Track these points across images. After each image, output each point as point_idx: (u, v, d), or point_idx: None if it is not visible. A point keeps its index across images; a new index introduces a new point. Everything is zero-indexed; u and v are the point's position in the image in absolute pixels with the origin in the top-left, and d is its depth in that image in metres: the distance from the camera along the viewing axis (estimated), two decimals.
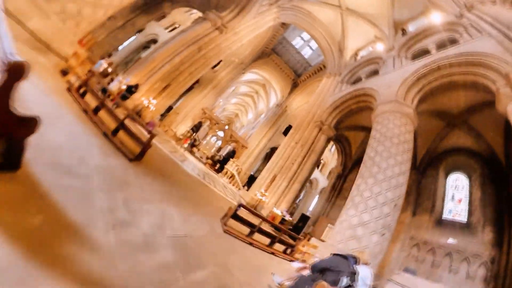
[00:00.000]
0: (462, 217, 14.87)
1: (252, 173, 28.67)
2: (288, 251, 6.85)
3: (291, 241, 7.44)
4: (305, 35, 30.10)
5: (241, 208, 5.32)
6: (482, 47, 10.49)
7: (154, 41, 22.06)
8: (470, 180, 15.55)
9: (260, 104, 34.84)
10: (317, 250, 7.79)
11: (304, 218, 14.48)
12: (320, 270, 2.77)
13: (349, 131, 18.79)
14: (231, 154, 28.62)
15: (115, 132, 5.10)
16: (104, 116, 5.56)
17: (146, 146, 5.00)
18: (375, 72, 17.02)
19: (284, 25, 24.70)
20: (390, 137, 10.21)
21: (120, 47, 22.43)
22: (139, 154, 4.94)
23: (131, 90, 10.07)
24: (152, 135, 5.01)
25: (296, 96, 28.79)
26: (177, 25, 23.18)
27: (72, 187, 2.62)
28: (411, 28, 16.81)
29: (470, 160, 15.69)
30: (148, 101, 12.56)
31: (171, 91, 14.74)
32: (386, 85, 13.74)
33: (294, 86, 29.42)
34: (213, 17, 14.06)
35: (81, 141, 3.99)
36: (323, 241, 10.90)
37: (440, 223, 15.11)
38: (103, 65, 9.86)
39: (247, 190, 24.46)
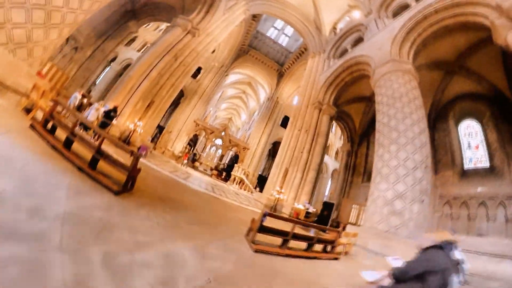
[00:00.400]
0: (484, 162, 14.38)
1: (260, 172, 27.99)
2: (328, 248, 6.11)
3: (327, 236, 6.71)
4: (278, 24, 29.62)
5: (267, 217, 4.55)
6: None
7: (130, 66, 21.36)
8: (482, 123, 15.07)
9: (251, 103, 34.21)
10: (358, 238, 7.13)
11: (327, 206, 13.80)
12: (416, 277, 2.03)
13: (348, 105, 18.25)
14: (235, 160, 27.91)
15: (93, 163, 4.32)
16: (80, 149, 4.82)
17: (133, 171, 4.20)
18: (359, 40, 16.47)
19: (255, 18, 24.08)
20: (399, 97, 9.63)
21: (97, 81, 21.68)
22: (126, 183, 4.14)
23: (110, 115, 9.05)
24: (136, 156, 4.20)
25: (284, 86, 28.19)
26: (149, 45, 22.47)
27: (12, 258, 1.74)
28: None
29: (476, 104, 15.22)
30: (133, 124, 11.78)
31: (157, 108, 13.83)
32: (377, 47, 13.19)
33: (280, 76, 28.82)
34: (182, 22, 13.37)
35: (41, 185, 3.07)
36: (358, 225, 10.26)
37: (464, 174, 14.62)
38: (77, 97, 9.02)
39: (260, 191, 23.87)
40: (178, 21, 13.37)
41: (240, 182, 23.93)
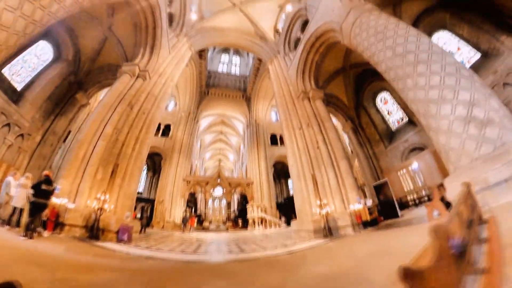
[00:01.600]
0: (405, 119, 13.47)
1: (276, 201, 24.84)
2: None
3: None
4: (224, 58, 30.29)
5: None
6: None
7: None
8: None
9: (232, 140, 32.62)
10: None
11: (379, 188, 11.29)
12: None
13: (329, 84, 17.23)
14: (243, 201, 24.81)
15: None
16: None
17: None
18: (306, 22, 16.30)
19: (202, 57, 24.04)
20: (392, 35, 8.44)
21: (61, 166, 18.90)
22: None
23: (41, 189, 5.45)
24: None
25: (256, 106, 27.32)
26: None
27: None
28: None
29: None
30: (98, 201, 8.48)
31: (126, 172, 10.82)
32: (330, 11, 12.65)
33: (248, 100, 28.16)
34: (127, 69, 11.93)
35: None
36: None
37: None
38: (11, 182, 6.31)
39: (287, 221, 20.63)
40: (124, 68, 11.91)
41: (262, 222, 20.59)
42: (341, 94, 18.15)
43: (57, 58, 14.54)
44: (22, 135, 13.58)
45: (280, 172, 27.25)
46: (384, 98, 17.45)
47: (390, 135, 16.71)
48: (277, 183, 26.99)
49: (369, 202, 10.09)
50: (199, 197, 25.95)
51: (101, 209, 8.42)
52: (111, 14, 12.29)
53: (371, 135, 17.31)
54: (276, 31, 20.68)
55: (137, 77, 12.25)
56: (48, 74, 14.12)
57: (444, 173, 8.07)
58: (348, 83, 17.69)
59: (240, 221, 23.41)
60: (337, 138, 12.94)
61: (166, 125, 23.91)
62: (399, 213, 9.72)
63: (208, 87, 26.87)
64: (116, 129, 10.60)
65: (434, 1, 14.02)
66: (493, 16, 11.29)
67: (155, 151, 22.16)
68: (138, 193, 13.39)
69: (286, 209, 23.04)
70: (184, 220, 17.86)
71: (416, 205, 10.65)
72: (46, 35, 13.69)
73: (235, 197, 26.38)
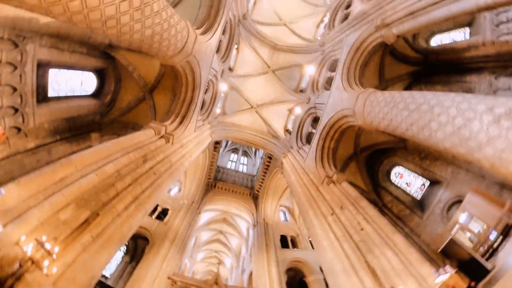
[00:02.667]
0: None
1: None
2: None
3: None
4: (233, 157, 32.24)
5: None
6: None
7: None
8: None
9: (233, 241, 28.15)
10: None
11: (446, 252, 8.58)
12: None
13: (345, 170, 17.33)
14: None
15: None
16: None
17: None
18: (316, 119, 18.87)
19: (216, 150, 25.62)
20: (400, 100, 9.80)
21: None
22: None
23: None
24: None
25: (264, 205, 25.81)
26: None
27: None
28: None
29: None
30: (38, 246, 5.54)
31: (103, 232, 7.85)
32: (338, 102, 15.00)
33: (255, 198, 27.06)
34: (155, 126, 12.26)
35: None
36: None
37: None
38: None
39: None
40: (151, 124, 12.31)
41: None
42: (357, 180, 17.83)
43: (96, 94, 15.18)
44: (19, 129, 11.55)
45: (292, 283, 21.51)
46: (399, 173, 17.36)
47: (419, 205, 15.18)
48: None
49: (449, 268, 7.22)
50: None
51: (34, 261, 5.25)
52: (158, 80, 14.46)
53: (399, 212, 15.63)
54: (287, 130, 23.43)
55: (161, 137, 12.53)
56: (81, 101, 14.18)
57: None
58: (362, 167, 17.96)
59: None
60: (378, 214, 11.40)
61: (164, 208, 21.62)
62: (488, 265, 6.94)
63: (216, 180, 26.75)
64: (118, 173, 9.25)
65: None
66: None
67: (141, 232, 18.71)
68: (102, 275, 9.77)
69: None
70: None
71: (494, 250, 7.62)
72: (98, 72, 14.99)
73: None
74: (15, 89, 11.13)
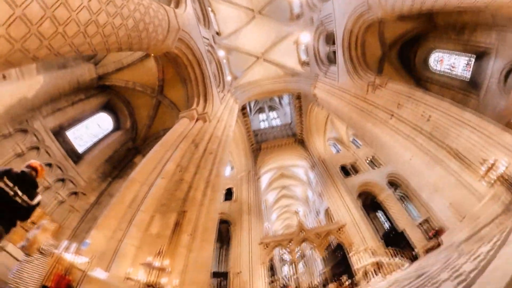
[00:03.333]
0: None
1: (380, 238, 19.35)
2: None
3: None
4: (262, 117, 31.72)
5: None
6: None
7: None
8: None
9: (297, 190, 29.43)
10: None
11: None
12: None
13: (380, 67, 15.57)
14: (339, 252, 19.53)
15: None
16: None
17: None
18: (328, 35, 16.88)
19: (245, 115, 25.27)
20: None
21: None
22: None
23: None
24: None
25: (313, 144, 25.61)
26: None
27: None
28: None
29: None
30: (149, 269, 5.66)
31: (197, 226, 7.83)
32: (346, 5, 12.73)
33: (302, 142, 26.87)
34: (185, 114, 12.29)
35: None
36: None
37: None
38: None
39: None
40: (181, 115, 12.33)
41: (377, 267, 15.00)
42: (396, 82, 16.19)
43: (116, 127, 15.90)
44: (76, 193, 13.01)
45: (364, 205, 22.16)
46: (438, 59, 15.20)
47: (471, 85, 13.46)
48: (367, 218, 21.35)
49: None
50: (276, 262, 21.30)
51: (154, 285, 5.24)
52: (161, 79, 14.03)
53: (453, 99, 14.09)
54: (303, 63, 21.50)
55: (197, 120, 12.38)
56: (108, 139, 14.90)
57: None
58: (397, 66, 16.20)
59: (345, 279, 17.54)
60: (438, 98, 10.27)
61: (228, 189, 22.99)
62: None
63: (259, 143, 26.93)
64: (179, 167, 9.38)
65: None
66: None
67: (220, 218, 20.39)
68: None
69: (396, 244, 17.66)
70: None
71: None
72: (106, 107, 15.48)
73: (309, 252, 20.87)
74: (50, 165, 12.22)
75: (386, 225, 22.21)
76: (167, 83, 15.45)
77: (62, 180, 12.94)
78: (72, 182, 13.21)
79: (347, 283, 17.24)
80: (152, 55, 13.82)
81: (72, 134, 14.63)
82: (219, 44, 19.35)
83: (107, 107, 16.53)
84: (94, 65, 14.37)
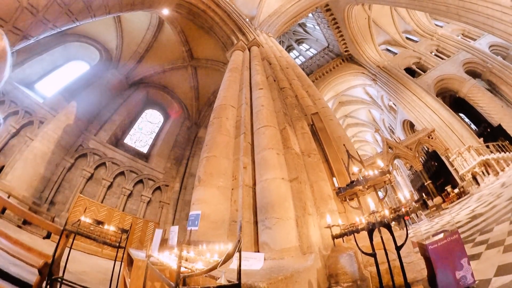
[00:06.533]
0: None
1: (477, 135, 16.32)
2: None
3: None
4: (292, 55, 28.33)
5: None
6: None
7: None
8: None
9: (361, 114, 26.73)
10: None
11: None
12: None
13: None
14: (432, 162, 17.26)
15: None
16: None
17: None
18: None
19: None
20: None
21: None
22: None
23: None
24: None
25: (365, 54, 21.59)
26: None
27: None
28: None
29: None
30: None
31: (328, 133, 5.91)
32: None
33: (351, 58, 23.13)
34: (233, 49, 10.61)
35: None
36: None
37: None
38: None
39: None
40: (228, 54, 10.87)
41: (485, 168, 12.77)
42: None
43: (166, 115, 15.54)
44: (159, 188, 13.17)
45: (455, 102, 18.67)
46: None
47: None
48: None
49: None
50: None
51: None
52: (185, 41, 12.50)
53: None
54: None
55: (249, 48, 10.61)
56: (165, 129, 14.79)
57: None
58: None
59: (450, 190, 15.43)
60: None
61: None
62: None
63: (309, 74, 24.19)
64: (271, 77, 7.64)
65: None
66: None
67: None
68: None
69: (494, 140, 14.94)
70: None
71: None
72: (148, 103, 15.19)
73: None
74: (122, 173, 12.90)
75: (473, 127, 18.58)
76: (193, 43, 13.93)
77: (141, 181, 12.99)
78: (150, 179, 13.45)
79: (454, 192, 15.05)
80: (165, 20, 12.20)
81: (130, 140, 14.95)
82: None
83: (149, 102, 16.20)
84: (115, 69, 14.14)
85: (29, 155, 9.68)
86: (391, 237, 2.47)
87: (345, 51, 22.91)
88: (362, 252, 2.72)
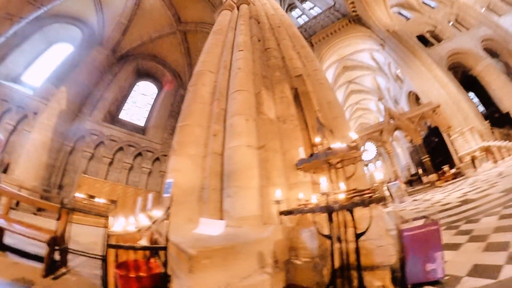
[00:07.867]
0: None
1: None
2: None
3: None
4: (294, 13, 26.00)
5: None
6: None
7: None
8: None
9: (365, 81, 25.59)
10: None
11: None
12: None
13: None
14: (433, 138, 16.76)
15: None
16: None
17: None
18: None
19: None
20: None
21: None
22: None
23: None
24: None
25: (374, 16, 19.60)
26: None
27: None
28: None
29: None
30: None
31: (318, 98, 5.38)
32: None
33: (358, 19, 20.90)
34: (220, 8, 9.12)
35: None
36: None
37: None
38: None
39: None
40: (216, 14, 9.82)
41: (486, 154, 12.39)
42: None
43: (160, 85, 15.18)
44: (158, 158, 13.26)
45: (466, 79, 17.47)
46: None
47: None
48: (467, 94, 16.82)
49: None
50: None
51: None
52: (171, 5, 11.50)
53: None
54: None
55: (238, 6, 9.44)
56: (160, 99, 14.66)
57: None
58: None
59: (447, 169, 15.13)
60: None
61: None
62: None
63: (307, 39, 22.46)
64: (255, 37, 6.91)
65: None
66: None
67: None
68: None
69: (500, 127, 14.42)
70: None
71: None
72: (140, 75, 14.89)
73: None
74: (122, 148, 13.32)
75: (480, 108, 17.41)
76: (179, 5, 12.86)
77: (139, 154, 13.17)
78: (149, 151, 13.82)
79: (450, 172, 14.72)
80: None
81: (125, 115, 14.70)
82: None
83: (141, 74, 15.68)
84: (99, 45, 13.46)
85: (30, 148, 10.14)
86: (366, 216, 2.31)
87: (353, 11, 20.76)
88: (319, 232, 2.67)
